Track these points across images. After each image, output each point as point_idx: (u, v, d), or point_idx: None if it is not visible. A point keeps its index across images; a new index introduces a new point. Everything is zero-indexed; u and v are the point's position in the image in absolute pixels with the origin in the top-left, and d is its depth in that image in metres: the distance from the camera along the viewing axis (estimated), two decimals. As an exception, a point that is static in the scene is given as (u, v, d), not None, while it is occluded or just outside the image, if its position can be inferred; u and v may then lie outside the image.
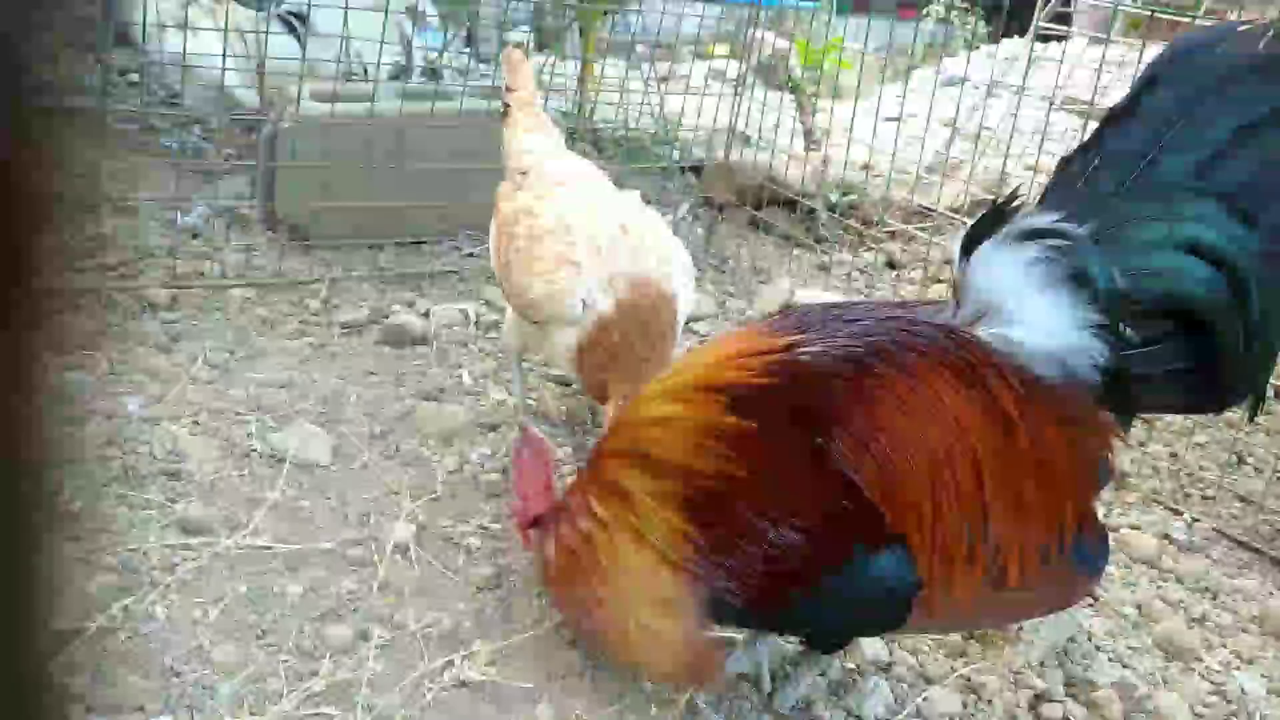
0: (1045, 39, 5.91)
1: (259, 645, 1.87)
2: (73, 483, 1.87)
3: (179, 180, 3.42)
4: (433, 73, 5.30)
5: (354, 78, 4.29)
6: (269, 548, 2.11)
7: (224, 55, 3.42)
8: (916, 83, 7.70)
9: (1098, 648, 2.16)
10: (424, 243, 3.75)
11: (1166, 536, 2.58)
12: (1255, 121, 1.46)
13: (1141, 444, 2.93)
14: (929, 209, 4.14)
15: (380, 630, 1.93)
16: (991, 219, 1.52)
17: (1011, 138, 3.60)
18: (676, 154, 5.15)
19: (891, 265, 4.35)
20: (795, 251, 4.39)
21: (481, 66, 5.46)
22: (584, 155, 2.79)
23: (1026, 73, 3.81)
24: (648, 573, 1.57)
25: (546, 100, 4.53)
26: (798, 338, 1.57)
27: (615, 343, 2.26)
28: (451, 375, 2.94)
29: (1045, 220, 1.49)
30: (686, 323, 3.57)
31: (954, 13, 8.26)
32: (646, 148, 5.09)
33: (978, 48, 7.98)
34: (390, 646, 1.90)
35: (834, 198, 4.67)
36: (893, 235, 4.40)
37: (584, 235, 2.32)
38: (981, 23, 8.36)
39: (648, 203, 4.66)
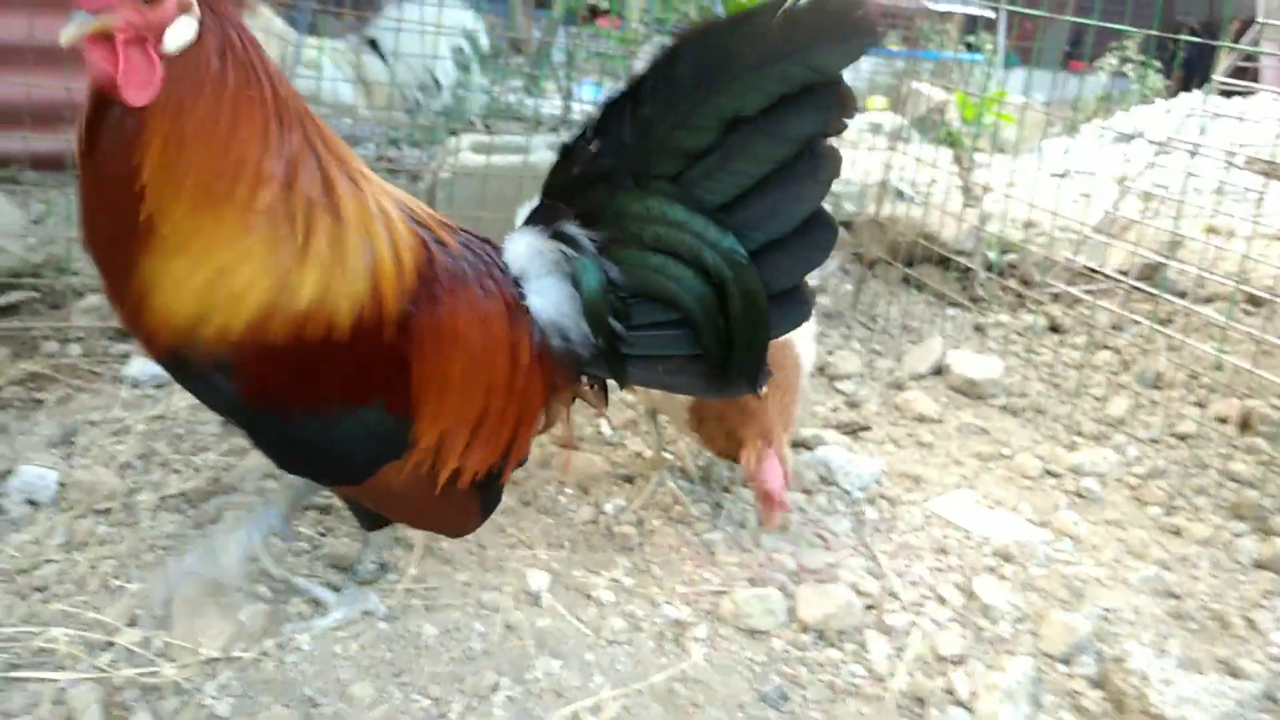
0: (1227, 94, 5.60)
1: (395, 684, 1.89)
2: (233, 511, 1.93)
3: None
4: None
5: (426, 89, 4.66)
6: (410, 589, 2.14)
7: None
8: (1085, 138, 7.44)
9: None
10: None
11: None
12: (750, 117, 1.60)
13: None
14: (1095, 270, 3.95)
15: (509, 679, 1.93)
16: (542, 209, 1.78)
17: (1186, 197, 3.40)
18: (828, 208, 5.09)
19: (1054, 329, 4.16)
20: (949, 311, 4.25)
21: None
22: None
23: (1203, 129, 3.60)
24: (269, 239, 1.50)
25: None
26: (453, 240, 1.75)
27: (716, 405, 2.24)
28: (591, 424, 2.96)
29: (569, 222, 1.72)
30: (831, 380, 3.52)
31: (1128, 65, 7.94)
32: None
33: (1153, 102, 7.65)
34: (518, 695, 1.90)
35: (992, 256, 4.52)
36: (1055, 297, 4.22)
37: None
38: (1158, 76, 8.01)
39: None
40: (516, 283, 1.78)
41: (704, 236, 1.66)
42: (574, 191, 1.73)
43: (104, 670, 1.80)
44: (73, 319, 3.16)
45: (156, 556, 2.13)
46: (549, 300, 1.75)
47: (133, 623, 1.93)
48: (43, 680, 1.75)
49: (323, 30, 5.11)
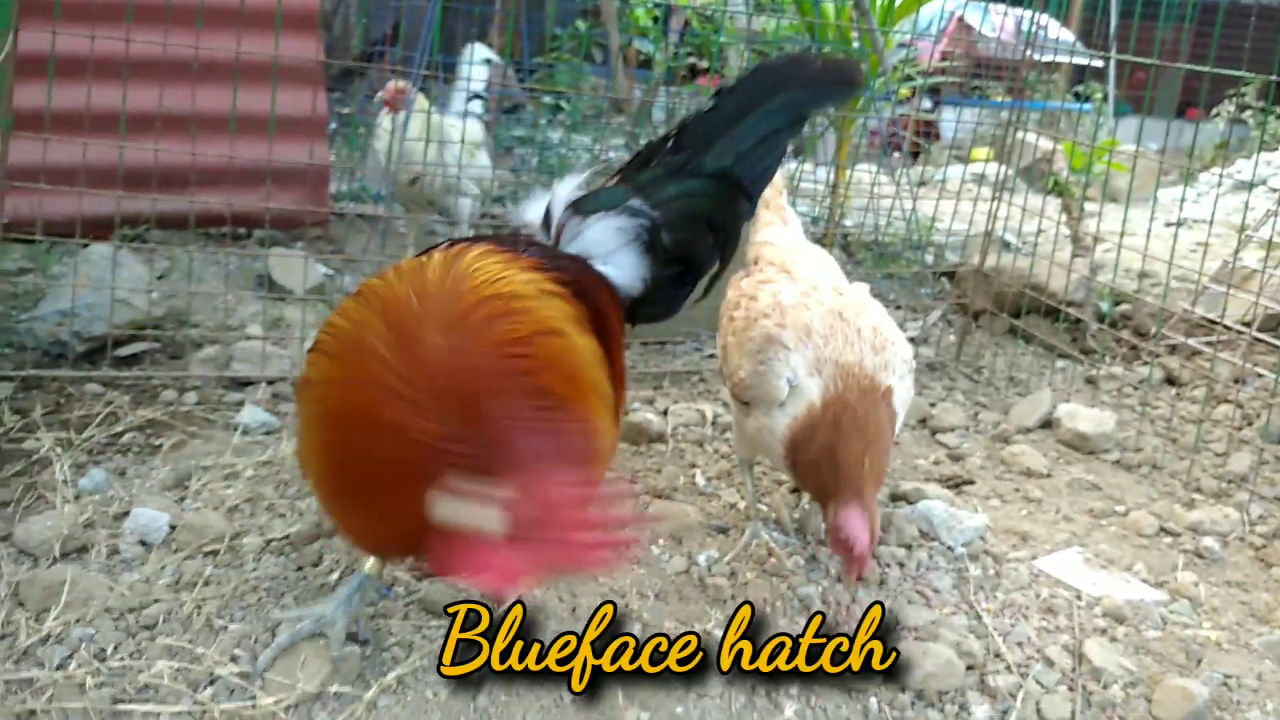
0: (1357, 137, 5.34)
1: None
2: (333, 555, 1.97)
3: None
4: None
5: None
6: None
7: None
8: (1201, 186, 7.18)
9: None
10: (666, 342, 3.81)
11: None
12: (774, 131, 2.15)
13: None
14: (1214, 322, 3.78)
15: (597, 729, 1.91)
16: (607, 193, 2.12)
17: (1313, 244, 3.24)
18: (930, 258, 5.02)
19: (1170, 381, 3.99)
20: (1059, 363, 4.12)
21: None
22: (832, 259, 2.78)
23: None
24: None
25: (794, 203, 4.56)
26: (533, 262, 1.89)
27: (827, 441, 2.20)
28: (685, 474, 2.94)
29: (637, 202, 2.09)
30: (933, 433, 3.44)
31: (1248, 112, 7.67)
32: (898, 252, 4.99)
33: (1275, 148, 7.36)
34: (606, 747, 1.88)
35: (1104, 306, 4.38)
36: (1172, 349, 4.05)
37: (796, 318, 2.35)
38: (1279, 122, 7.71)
39: (897, 308, 4.56)
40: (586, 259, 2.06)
41: (736, 209, 2.15)
42: (648, 178, 2.12)
43: (204, 705, 1.85)
44: (190, 369, 3.31)
45: (259, 598, 2.19)
46: (624, 271, 2.08)
47: (233, 661, 1.98)
48: (145, 715, 1.81)
49: (432, 96, 5.29)
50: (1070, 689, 2.14)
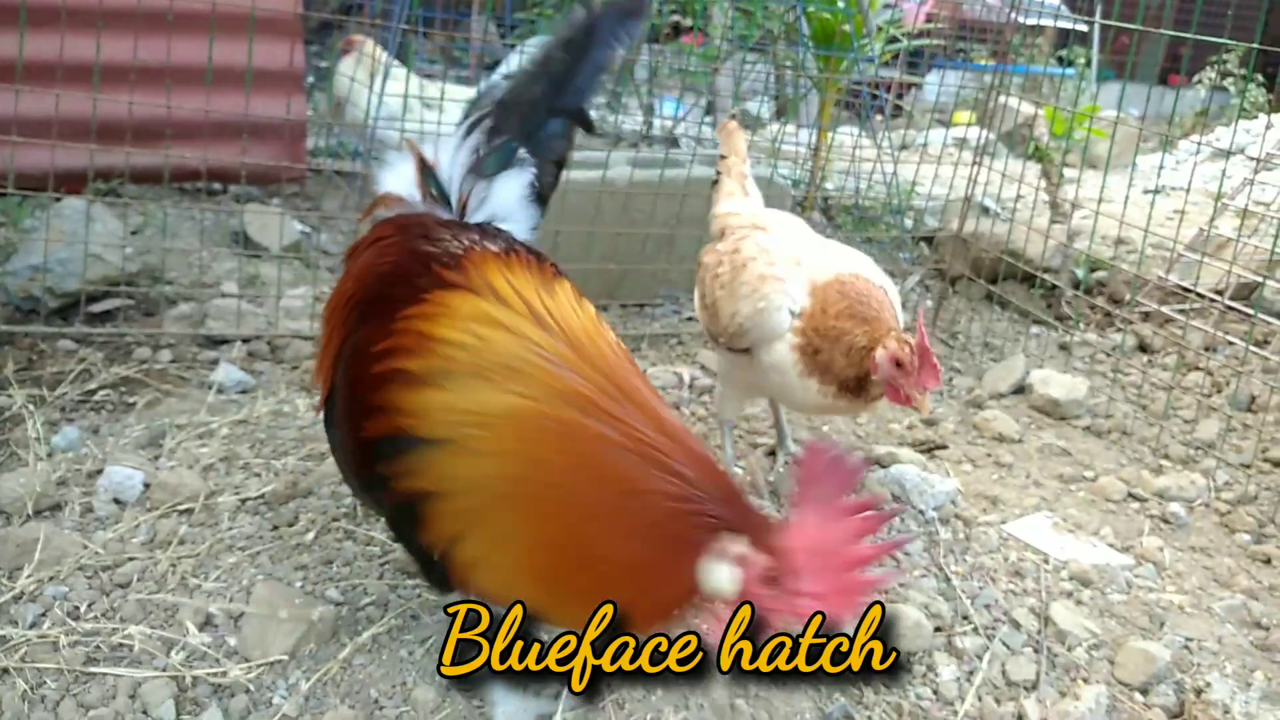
0: (1335, 107, 5.36)
1: (459, 690, 1.91)
2: (308, 515, 1.96)
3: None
4: (671, 141, 5.45)
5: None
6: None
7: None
8: (1181, 153, 7.20)
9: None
10: (645, 305, 3.81)
11: None
12: (599, 66, 2.21)
13: None
14: (1188, 289, 3.82)
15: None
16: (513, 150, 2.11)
17: (1287, 214, 3.26)
18: (909, 223, 5.02)
19: (1143, 349, 4.02)
20: (1033, 329, 4.15)
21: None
22: (813, 223, 2.79)
23: (1308, 144, 3.45)
24: None
25: (775, 166, 4.55)
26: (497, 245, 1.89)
27: (834, 326, 2.32)
28: (663, 437, 2.95)
29: (524, 152, 2.10)
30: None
31: (1229, 80, 7.68)
32: (878, 216, 5.00)
33: (1255, 117, 7.38)
34: (578, 702, 1.90)
35: (1080, 273, 4.40)
36: (1145, 316, 4.09)
37: (783, 254, 2.44)
38: (1260, 90, 7.72)
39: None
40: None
41: (574, 142, 2.22)
42: (529, 126, 2.14)
43: (178, 666, 1.86)
44: (165, 326, 3.29)
45: (234, 558, 2.19)
46: (522, 226, 2.08)
47: (207, 620, 1.99)
48: (118, 675, 1.82)
49: (410, 51, 5.22)
50: (1036, 651, 2.18)
